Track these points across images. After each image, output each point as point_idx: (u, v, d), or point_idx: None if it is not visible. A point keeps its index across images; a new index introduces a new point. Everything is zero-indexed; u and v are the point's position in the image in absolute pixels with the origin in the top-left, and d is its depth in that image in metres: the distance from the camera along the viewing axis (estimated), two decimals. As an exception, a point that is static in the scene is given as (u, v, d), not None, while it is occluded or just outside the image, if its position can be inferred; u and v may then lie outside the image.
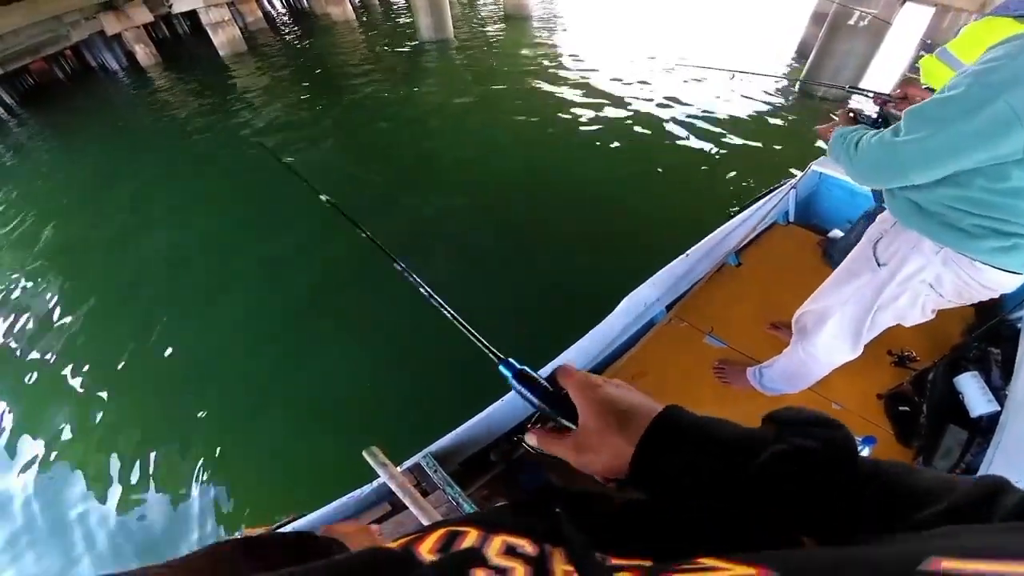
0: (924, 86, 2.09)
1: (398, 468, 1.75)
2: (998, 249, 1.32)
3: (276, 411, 3.77)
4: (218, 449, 3.51)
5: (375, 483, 1.73)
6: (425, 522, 1.58)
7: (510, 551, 0.33)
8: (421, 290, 0.94)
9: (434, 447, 1.92)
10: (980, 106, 1.11)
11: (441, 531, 0.36)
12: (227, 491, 3.27)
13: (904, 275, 1.52)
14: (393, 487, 1.66)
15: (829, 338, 1.85)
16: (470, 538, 0.35)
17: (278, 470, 3.41)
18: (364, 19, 16.58)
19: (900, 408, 2.29)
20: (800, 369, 2.08)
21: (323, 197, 1.56)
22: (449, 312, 0.83)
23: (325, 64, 11.90)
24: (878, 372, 2.45)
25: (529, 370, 0.57)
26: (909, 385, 2.33)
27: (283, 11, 19.07)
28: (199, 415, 3.78)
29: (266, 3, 17.77)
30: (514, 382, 0.57)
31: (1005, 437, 1.86)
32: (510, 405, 2.14)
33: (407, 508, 1.64)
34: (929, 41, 8.73)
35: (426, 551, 0.34)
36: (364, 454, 1.68)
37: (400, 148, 7.45)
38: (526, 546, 0.34)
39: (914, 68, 8.15)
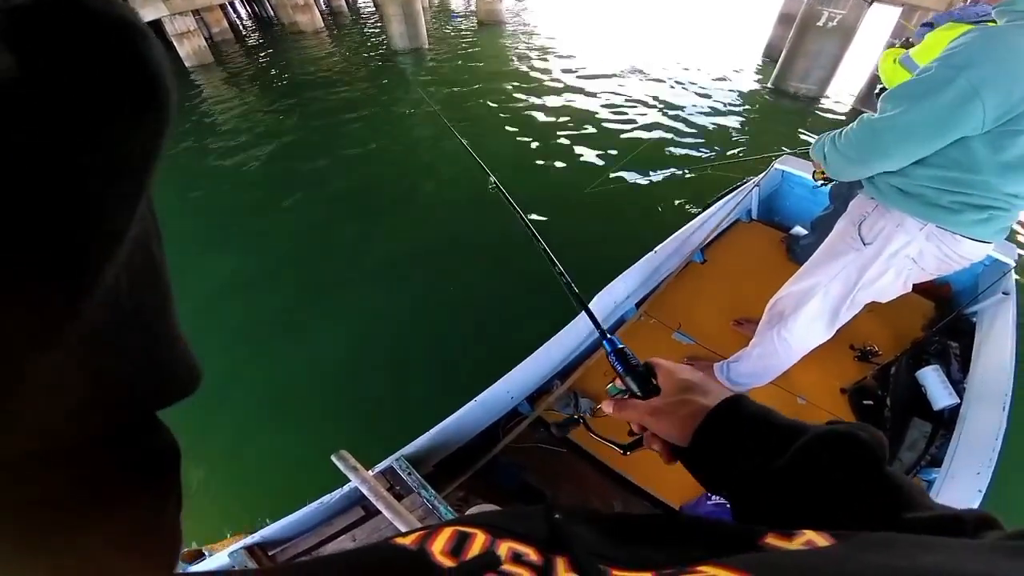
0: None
1: (369, 472, 1.73)
2: (976, 222, 1.46)
3: (229, 412, 3.57)
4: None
5: (345, 488, 1.70)
6: (401, 526, 1.57)
7: (516, 558, 0.33)
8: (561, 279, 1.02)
9: (407, 450, 1.91)
10: (945, 84, 1.27)
11: (450, 530, 0.36)
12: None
13: (890, 251, 1.64)
14: (365, 491, 1.64)
15: (808, 320, 1.91)
16: (479, 541, 0.35)
17: (233, 477, 3.24)
18: (333, 28, 16.33)
19: (864, 401, 2.34)
20: (770, 359, 2.12)
21: (492, 179, 1.47)
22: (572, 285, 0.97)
23: (293, 74, 11.65)
24: (841, 367, 2.50)
25: (625, 348, 0.68)
26: (872, 379, 2.39)
27: (249, 22, 18.63)
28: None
29: (231, 13, 17.37)
30: (611, 356, 0.68)
31: (966, 429, 1.94)
32: (483, 407, 2.14)
33: (380, 513, 1.63)
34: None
35: (439, 551, 0.33)
36: (332, 458, 1.66)
37: (371, 160, 7.40)
38: (531, 554, 0.34)
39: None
